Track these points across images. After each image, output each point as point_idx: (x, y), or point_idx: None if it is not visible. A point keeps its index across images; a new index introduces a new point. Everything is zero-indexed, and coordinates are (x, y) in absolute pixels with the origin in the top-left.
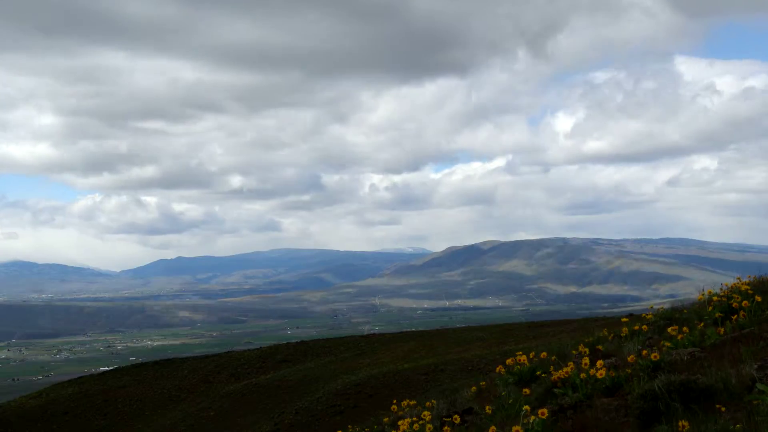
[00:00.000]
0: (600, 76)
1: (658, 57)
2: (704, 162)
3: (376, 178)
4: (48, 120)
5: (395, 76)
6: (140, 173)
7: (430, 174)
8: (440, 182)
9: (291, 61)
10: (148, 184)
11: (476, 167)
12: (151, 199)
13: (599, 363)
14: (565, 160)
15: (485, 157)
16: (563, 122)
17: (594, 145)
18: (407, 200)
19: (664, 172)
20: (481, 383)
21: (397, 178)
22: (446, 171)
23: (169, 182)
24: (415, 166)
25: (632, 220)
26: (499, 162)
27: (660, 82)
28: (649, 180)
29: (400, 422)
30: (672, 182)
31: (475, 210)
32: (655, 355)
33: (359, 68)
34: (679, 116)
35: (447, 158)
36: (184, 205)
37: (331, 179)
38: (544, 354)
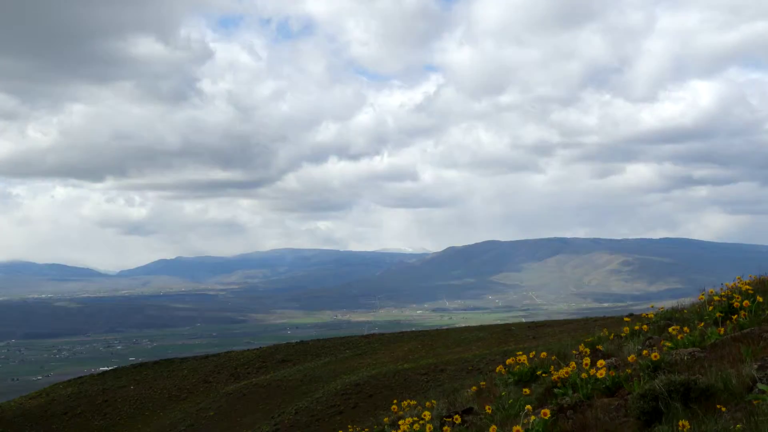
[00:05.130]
0: None
1: None
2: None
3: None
4: None
5: None
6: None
7: None
8: None
9: None
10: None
11: None
12: (151, 198)
13: (599, 363)
14: None
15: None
16: None
17: None
18: None
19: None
20: (481, 383)
21: None
22: None
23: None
24: None
25: (632, 219)
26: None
27: None
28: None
29: (400, 422)
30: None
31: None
32: (655, 355)
33: None
34: None
35: None
36: (185, 206)
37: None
38: (544, 354)
